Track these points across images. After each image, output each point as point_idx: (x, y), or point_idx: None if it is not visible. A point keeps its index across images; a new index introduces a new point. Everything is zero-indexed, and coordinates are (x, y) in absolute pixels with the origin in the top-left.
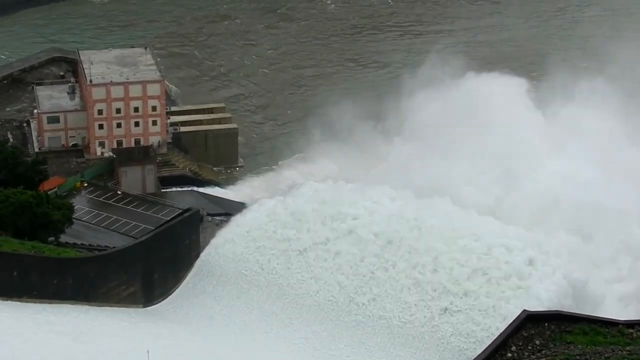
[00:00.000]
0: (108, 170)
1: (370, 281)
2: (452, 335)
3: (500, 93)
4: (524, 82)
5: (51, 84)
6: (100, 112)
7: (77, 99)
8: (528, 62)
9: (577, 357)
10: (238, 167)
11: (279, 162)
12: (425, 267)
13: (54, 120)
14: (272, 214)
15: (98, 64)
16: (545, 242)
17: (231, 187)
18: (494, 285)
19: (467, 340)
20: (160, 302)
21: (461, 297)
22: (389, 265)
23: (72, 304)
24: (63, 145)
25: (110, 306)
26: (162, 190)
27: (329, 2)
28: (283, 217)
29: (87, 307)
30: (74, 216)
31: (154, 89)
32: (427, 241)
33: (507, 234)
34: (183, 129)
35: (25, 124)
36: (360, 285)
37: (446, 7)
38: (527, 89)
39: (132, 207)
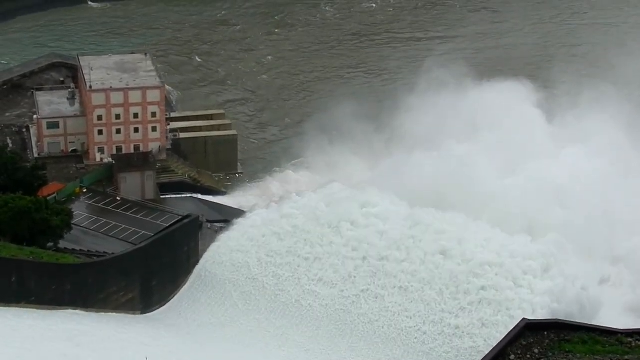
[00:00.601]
0: (107, 176)
1: (368, 290)
2: (451, 344)
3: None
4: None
5: (51, 89)
6: (99, 118)
7: (76, 105)
8: (528, 68)
9: None
10: (237, 173)
11: (278, 169)
12: (424, 276)
13: (53, 125)
14: (271, 222)
15: (98, 70)
16: (546, 250)
17: (230, 193)
18: (493, 294)
19: (466, 348)
20: (158, 308)
21: (461, 306)
22: (388, 274)
23: (71, 310)
24: (62, 150)
25: (108, 312)
26: (162, 197)
27: (328, 9)
28: (282, 224)
29: (85, 313)
30: (73, 222)
31: (153, 95)
32: (425, 249)
33: (507, 241)
34: (183, 135)
35: (24, 130)
36: (358, 294)
37: (446, 14)
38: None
39: (131, 213)
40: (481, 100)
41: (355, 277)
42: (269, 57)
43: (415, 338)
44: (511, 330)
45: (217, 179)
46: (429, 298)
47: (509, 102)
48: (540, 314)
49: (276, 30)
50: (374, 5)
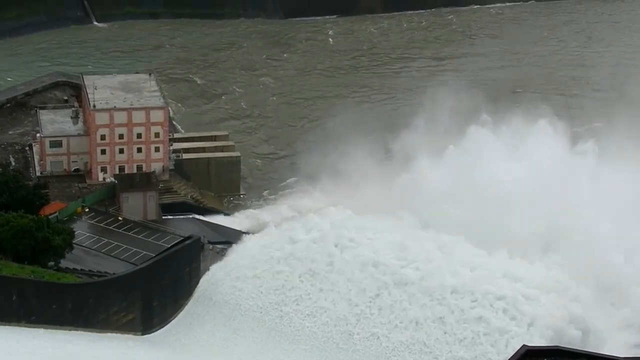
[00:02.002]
0: (109, 196)
1: (370, 315)
2: None
3: None
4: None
5: (54, 108)
6: (102, 137)
7: (80, 124)
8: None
9: None
10: (240, 195)
11: (281, 192)
12: (426, 302)
13: (56, 144)
14: (273, 244)
15: (102, 89)
16: (546, 275)
17: (233, 215)
18: (494, 319)
19: None
20: (159, 329)
21: (462, 332)
22: (389, 299)
23: (71, 330)
24: (65, 169)
25: (109, 332)
26: (163, 217)
27: (331, 32)
28: (283, 247)
29: (85, 333)
30: (74, 241)
31: (157, 116)
32: (428, 274)
33: (509, 267)
34: (185, 156)
35: (27, 148)
36: (359, 319)
37: (447, 41)
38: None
39: (132, 233)
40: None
41: (357, 302)
42: (274, 80)
43: None
44: (511, 357)
45: (220, 199)
46: (430, 325)
47: None
48: (539, 341)
49: (284, 55)
50: (375, 31)
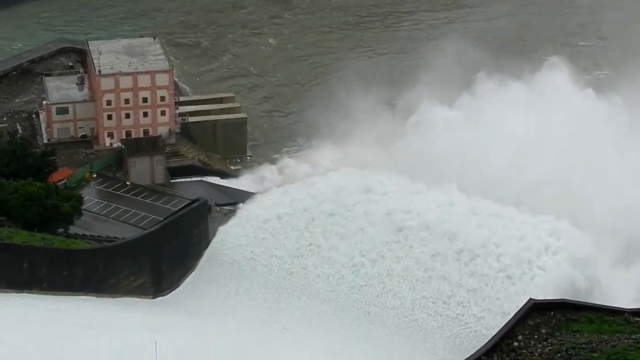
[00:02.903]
0: (117, 161)
1: (380, 272)
2: (459, 324)
3: None
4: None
5: (60, 74)
6: (109, 102)
7: (85, 90)
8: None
9: (583, 345)
10: (247, 156)
11: (288, 151)
12: (436, 256)
13: (62, 111)
14: (281, 204)
15: (107, 54)
16: (554, 228)
17: (240, 176)
18: (502, 274)
19: (474, 328)
20: (169, 292)
21: (470, 285)
22: (399, 255)
23: (82, 296)
24: (72, 136)
25: (119, 297)
26: (171, 181)
27: None
28: (291, 206)
29: (96, 298)
30: (83, 207)
31: (162, 79)
32: (437, 230)
33: (516, 220)
34: (192, 119)
35: (34, 115)
36: (370, 276)
37: None
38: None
39: (141, 197)
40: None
41: (367, 259)
42: (278, 40)
43: (426, 321)
44: (518, 311)
45: (227, 161)
46: (439, 280)
47: None
48: (548, 294)
49: (284, 14)
50: None
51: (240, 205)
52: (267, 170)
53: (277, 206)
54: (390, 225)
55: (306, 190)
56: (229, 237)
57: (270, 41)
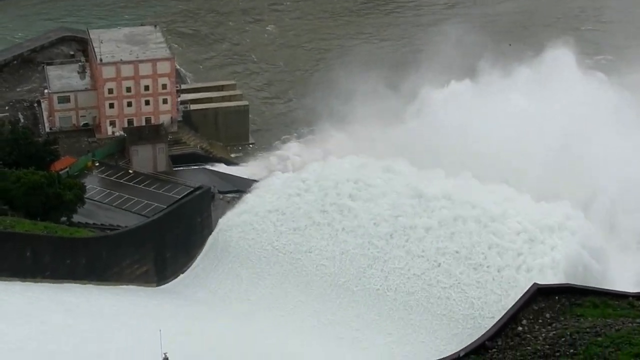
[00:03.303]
0: (119, 150)
1: (384, 254)
2: (464, 306)
3: None
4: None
5: (61, 63)
6: (110, 91)
7: (87, 78)
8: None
9: (587, 329)
10: (249, 144)
11: (290, 138)
12: (440, 238)
13: (64, 100)
14: (283, 191)
15: (108, 43)
16: (560, 213)
17: (242, 164)
18: (506, 257)
19: (479, 312)
20: (173, 280)
21: (474, 269)
22: (403, 238)
23: (85, 284)
24: (74, 125)
25: (123, 285)
26: (174, 169)
27: None
28: (293, 194)
29: (100, 286)
30: (85, 196)
31: (163, 67)
32: (442, 212)
33: (522, 204)
34: (193, 106)
35: (36, 104)
36: (374, 259)
37: None
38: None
39: (143, 186)
40: None
41: (371, 244)
42: (279, 28)
43: (431, 302)
44: (522, 295)
45: (229, 148)
46: (444, 261)
47: None
48: (552, 279)
49: (285, 1)
50: None
51: (243, 192)
52: (270, 157)
53: (280, 193)
54: (397, 207)
55: (309, 177)
56: (232, 224)
57: (270, 28)
